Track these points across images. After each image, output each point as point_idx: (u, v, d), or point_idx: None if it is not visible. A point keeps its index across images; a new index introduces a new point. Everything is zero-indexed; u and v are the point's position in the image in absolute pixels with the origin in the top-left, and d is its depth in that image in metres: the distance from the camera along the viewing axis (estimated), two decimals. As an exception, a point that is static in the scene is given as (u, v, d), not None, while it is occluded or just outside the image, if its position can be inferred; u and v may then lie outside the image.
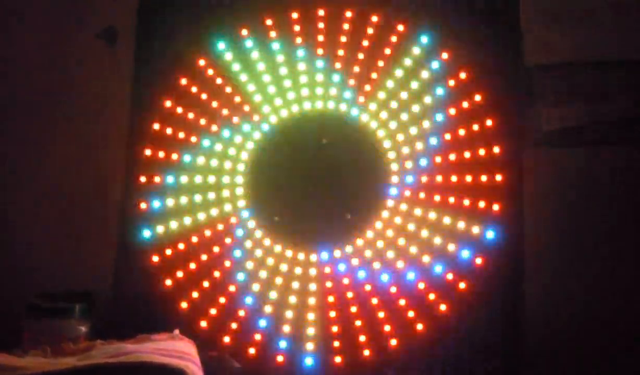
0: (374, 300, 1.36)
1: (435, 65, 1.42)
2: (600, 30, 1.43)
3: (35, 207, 1.50)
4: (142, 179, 1.43)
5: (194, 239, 1.41)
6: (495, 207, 1.36)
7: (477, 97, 1.40)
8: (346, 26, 1.45)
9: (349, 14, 1.45)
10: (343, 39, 1.45)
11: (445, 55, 1.42)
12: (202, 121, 1.45)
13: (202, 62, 1.46)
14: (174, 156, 1.44)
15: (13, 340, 1.17)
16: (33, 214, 1.50)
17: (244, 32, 1.47)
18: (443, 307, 1.34)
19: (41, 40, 1.54)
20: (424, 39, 1.43)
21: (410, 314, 1.34)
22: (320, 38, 1.45)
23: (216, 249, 1.41)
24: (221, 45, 1.47)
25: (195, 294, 1.38)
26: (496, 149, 1.38)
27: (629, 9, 1.43)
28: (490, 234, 1.35)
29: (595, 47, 1.42)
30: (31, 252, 1.48)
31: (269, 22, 1.47)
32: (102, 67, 1.52)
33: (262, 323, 1.36)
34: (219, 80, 1.46)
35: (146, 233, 1.41)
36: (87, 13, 1.53)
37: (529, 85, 1.42)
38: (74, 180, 1.49)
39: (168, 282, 1.39)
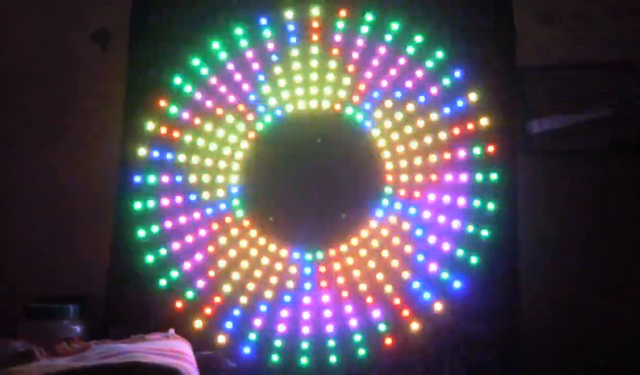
0: (369, 299, 1.36)
1: (429, 64, 1.42)
2: (594, 33, 1.43)
3: (28, 209, 1.49)
4: (137, 178, 1.43)
5: (189, 239, 1.41)
6: (490, 205, 1.36)
7: (472, 97, 1.40)
8: (341, 25, 1.45)
9: (343, 13, 1.45)
10: (337, 38, 1.45)
11: (439, 54, 1.42)
12: (197, 120, 1.45)
13: (196, 62, 1.46)
14: (169, 156, 1.44)
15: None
16: (27, 216, 1.49)
17: (238, 31, 1.47)
18: (438, 306, 1.34)
19: (37, 40, 1.54)
20: (419, 38, 1.43)
21: (405, 312, 1.35)
22: (315, 37, 1.45)
23: (211, 249, 1.40)
24: (215, 45, 1.46)
25: (190, 294, 1.38)
26: (490, 148, 1.38)
27: (623, 11, 1.43)
28: (485, 233, 1.36)
29: (588, 49, 1.43)
30: (25, 254, 1.48)
31: (263, 21, 1.46)
32: (96, 68, 1.51)
33: (257, 322, 1.36)
34: (213, 80, 1.46)
35: (141, 233, 1.41)
36: (81, 14, 1.53)
37: (522, 86, 1.42)
38: (68, 180, 1.49)
39: (163, 282, 1.39)
